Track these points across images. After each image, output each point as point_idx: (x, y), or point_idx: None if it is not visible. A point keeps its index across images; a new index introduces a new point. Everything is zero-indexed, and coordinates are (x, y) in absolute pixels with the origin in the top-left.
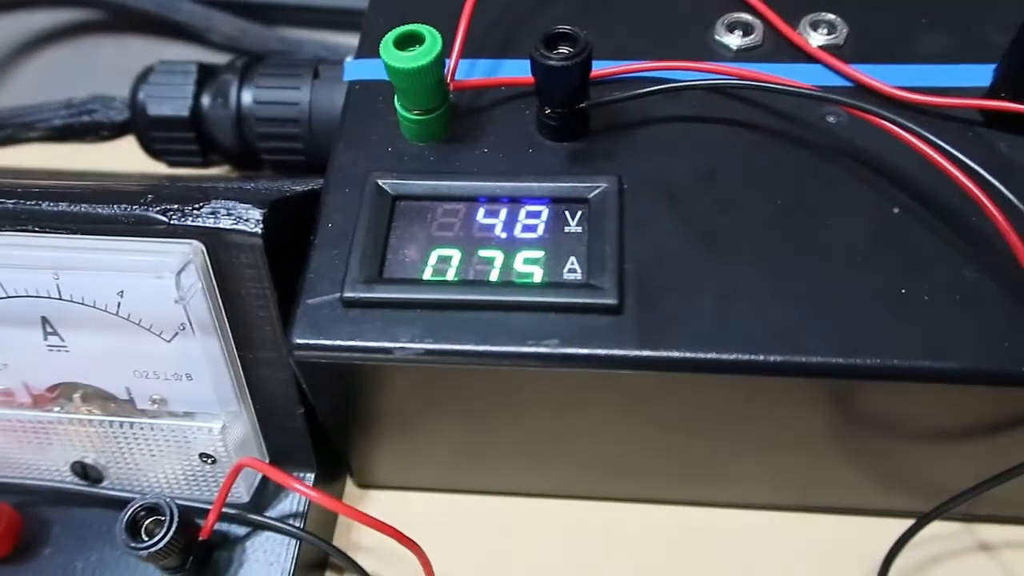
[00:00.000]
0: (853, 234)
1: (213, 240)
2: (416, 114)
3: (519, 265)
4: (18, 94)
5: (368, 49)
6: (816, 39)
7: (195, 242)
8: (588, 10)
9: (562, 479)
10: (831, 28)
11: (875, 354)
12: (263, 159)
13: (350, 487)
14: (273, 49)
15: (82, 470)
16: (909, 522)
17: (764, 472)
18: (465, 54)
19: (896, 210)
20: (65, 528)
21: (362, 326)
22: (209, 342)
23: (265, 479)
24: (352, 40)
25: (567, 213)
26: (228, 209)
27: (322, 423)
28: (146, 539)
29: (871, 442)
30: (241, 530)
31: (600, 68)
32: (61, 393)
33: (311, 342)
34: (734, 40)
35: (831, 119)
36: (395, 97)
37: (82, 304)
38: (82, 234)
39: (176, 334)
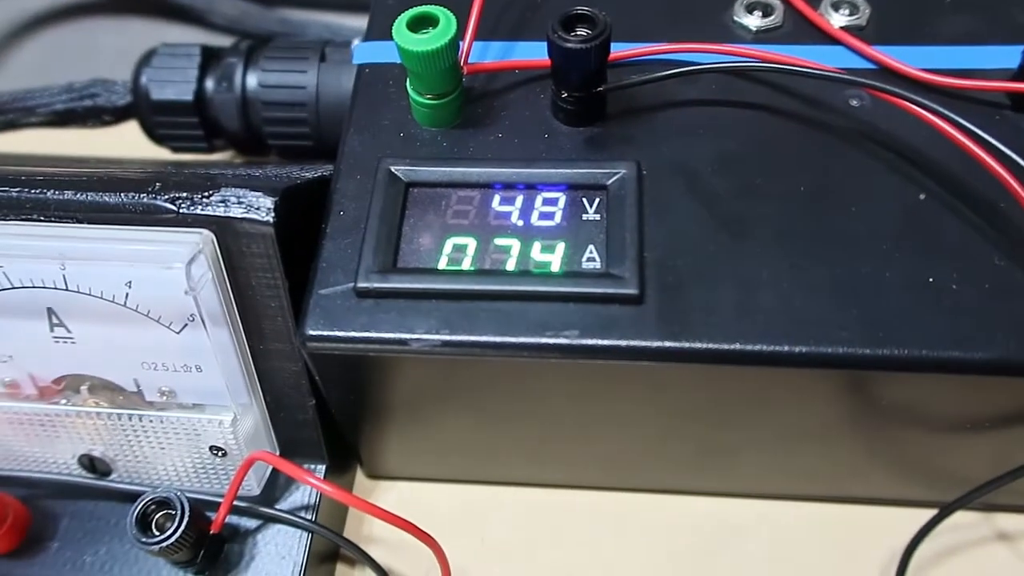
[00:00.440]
0: (878, 221)
1: (223, 229)
2: (429, 98)
3: (536, 254)
4: (17, 77)
5: (377, 31)
6: (838, 20)
7: (205, 231)
8: None
9: (578, 469)
10: (853, 8)
11: (902, 345)
12: (269, 144)
13: (360, 477)
14: (276, 31)
15: (90, 463)
16: (926, 512)
17: (785, 462)
18: (478, 36)
19: (922, 196)
20: (73, 522)
21: (376, 317)
22: (219, 333)
23: (276, 471)
24: (356, 21)
25: (585, 200)
26: (238, 197)
27: (334, 414)
28: (157, 534)
29: (894, 433)
30: (252, 523)
31: (617, 50)
32: (68, 385)
33: (324, 333)
34: (754, 21)
35: (854, 102)
36: (407, 81)
37: (89, 295)
38: (89, 223)
39: (185, 325)
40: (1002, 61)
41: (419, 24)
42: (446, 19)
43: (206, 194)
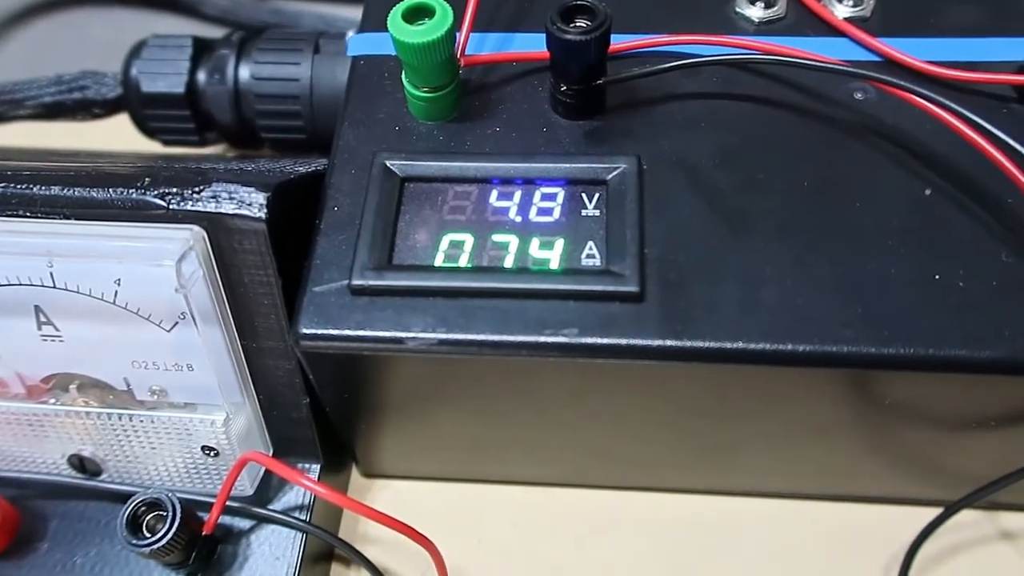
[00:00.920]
0: (883, 216)
1: (214, 225)
2: (425, 91)
3: (535, 251)
4: (5, 69)
5: (372, 22)
6: (841, 11)
7: (196, 228)
8: None
9: (576, 468)
10: None
11: (908, 343)
12: (262, 137)
13: (355, 476)
14: (268, 22)
15: (80, 463)
16: (930, 510)
17: (787, 461)
18: (475, 27)
19: (928, 191)
20: (63, 522)
21: (372, 315)
22: (211, 332)
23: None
24: (349, 12)
25: (584, 195)
26: (230, 193)
27: (328, 413)
28: (148, 536)
29: (899, 431)
30: (245, 523)
31: (617, 42)
32: (56, 384)
33: (318, 332)
34: (756, 12)
35: (859, 95)
36: (402, 73)
37: (77, 292)
38: (76, 219)
39: (176, 323)
40: (1008, 53)
41: (415, 15)
42: (442, 10)
43: (197, 189)
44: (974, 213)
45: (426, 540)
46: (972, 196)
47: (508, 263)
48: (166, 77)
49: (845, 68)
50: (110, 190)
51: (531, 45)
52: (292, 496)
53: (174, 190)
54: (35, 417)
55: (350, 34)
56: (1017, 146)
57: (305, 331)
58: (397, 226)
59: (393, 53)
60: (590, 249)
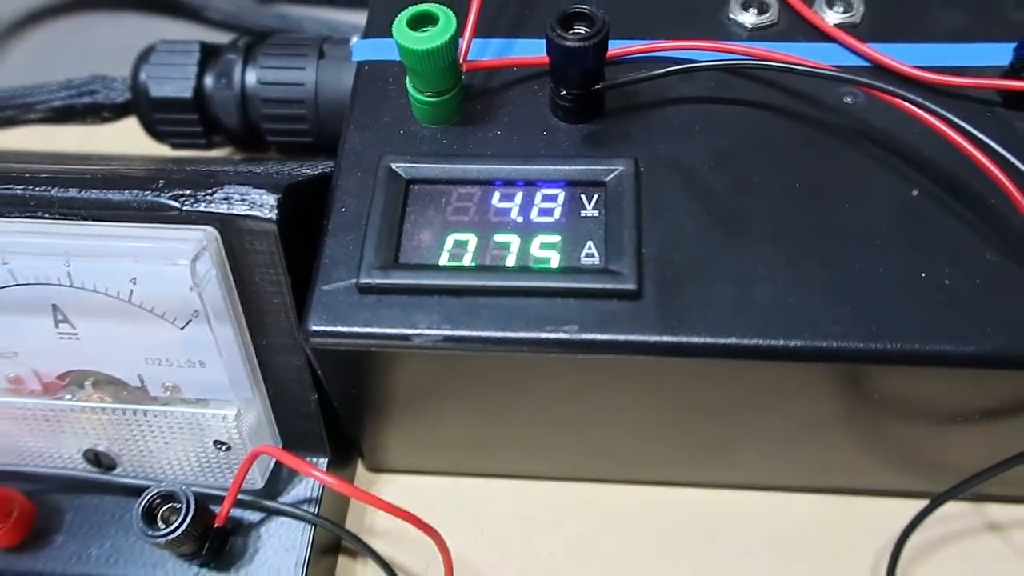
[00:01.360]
0: (872, 217)
1: (227, 226)
2: (429, 96)
3: (536, 250)
4: (16, 74)
5: (376, 28)
6: (832, 17)
7: (209, 228)
8: None
9: (577, 462)
10: (847, 6)
11: (895, 339)
12: (268, 141)
13: (361, 470)
14: (272, 26)
15: (95, 458)
16: (918, 502)
17: (780, 454)
18: (477, 33)
19: (915, 192)
20: (78, 515)
21: (379, 312)
22: (223, 329)
23: (279, 464)
24: (353, 18)
25: (583, 197)
26: (241, 194)
27: (336, 408)
28: (163, 527)
29: (887, 424)
30: (256, 516)
31: (615, 48)
32: (72, 380)
33: (327, 329)
34: (749, 18)
35: (848, 99)
36: (406, 78)
37: (93, 291)
38: (93, 220)
39: (189, 321)
40: (994, 58)
41: (419, 22)
42: (446, 17)
43: (209, 191)
44: (959, 214)
45: (430, 528)
46: (957, 197)
47: (510, 262)
48: (174, 82)
49: (835, 73)
50: (126, 192)
51: (531, 51)
52: (301, 490)
53: (187, 192)
54: (51, 413)
55: (354, 39)
56: (1001, 149)
57: (314, 328)
58: (403, 227)
59: (397, 58)
60: (589, 249)
